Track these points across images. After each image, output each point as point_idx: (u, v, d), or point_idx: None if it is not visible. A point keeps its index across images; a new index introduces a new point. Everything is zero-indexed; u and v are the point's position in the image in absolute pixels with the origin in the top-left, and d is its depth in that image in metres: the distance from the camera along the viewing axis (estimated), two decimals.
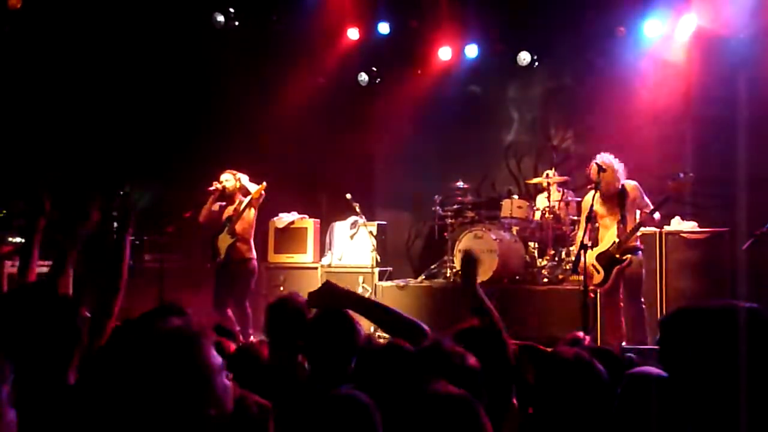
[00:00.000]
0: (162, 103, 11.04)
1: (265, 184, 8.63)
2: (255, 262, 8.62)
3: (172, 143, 11.04)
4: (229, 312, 8.30)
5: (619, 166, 7.60)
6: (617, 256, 7.49)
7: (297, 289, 10.72)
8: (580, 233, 7.62)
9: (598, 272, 7.57)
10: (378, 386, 2.66)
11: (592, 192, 7.49)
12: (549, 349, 4.16)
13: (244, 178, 8.71)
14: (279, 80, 11.33)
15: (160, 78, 10.94)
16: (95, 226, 3.42)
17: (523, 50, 11.09)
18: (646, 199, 7.55)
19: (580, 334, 4.52)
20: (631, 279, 7.54)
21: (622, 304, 7.58)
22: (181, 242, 9.74)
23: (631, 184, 7.61)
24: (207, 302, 8.42)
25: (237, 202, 8.66)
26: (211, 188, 8.61)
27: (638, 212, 7.60)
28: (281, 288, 10.23)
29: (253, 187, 8.66)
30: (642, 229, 8.15)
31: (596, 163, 7.53)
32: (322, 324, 3.30)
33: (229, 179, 8.65)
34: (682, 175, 7.27)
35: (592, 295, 8.02)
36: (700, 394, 2.07)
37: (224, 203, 8.71)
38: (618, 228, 7.51)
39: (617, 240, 7.49)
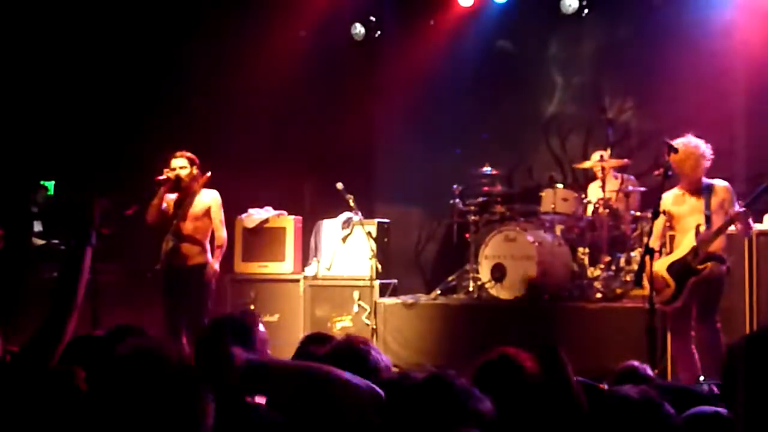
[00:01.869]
0: (100, 73, 11.07)
1: (209, 173, 8.64)
2: (210, 269, 8.62)
3: (111, 123, 11.07)
4: (184, 340, 8.34)
5: (705, 151, 7.59)
6: (694, 265, 7.49)
7: (272, 307, 10.80)
8: (654, 236, 7.63)
9: (668, 286, 7.57)
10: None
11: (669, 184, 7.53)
12: (603, 386, 4.18)
13: None
14: (247, 36, 11.33)
15: (95, 40, 10.97)
16: None
17: None
18: (737, 206, 7.55)
19: (636, 363, 4.54)
20: (708, 292, 7.54)
21: (693, 332, 7.60)
22: (121, 248, 9.77)
23: (722, 185, 7.63)
24: (154, 323, 8.44)
25: (191, 194, 8.67)
26: (161, 178, 8.62)
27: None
28: (252, 306, 10.24)
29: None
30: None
31: (665, 141, 7.53)
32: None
33: (183, 165, 8.65)
34: None
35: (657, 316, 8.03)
36: None
37: (178, 195, 8.72)
38: (698, 232, 7.51)
39: (696, 245, 7.49)
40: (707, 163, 7.61)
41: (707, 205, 7.53)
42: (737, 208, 7.45)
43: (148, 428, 2.17)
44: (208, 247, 8.68)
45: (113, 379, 2.24)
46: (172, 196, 8.73)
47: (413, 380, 2.86)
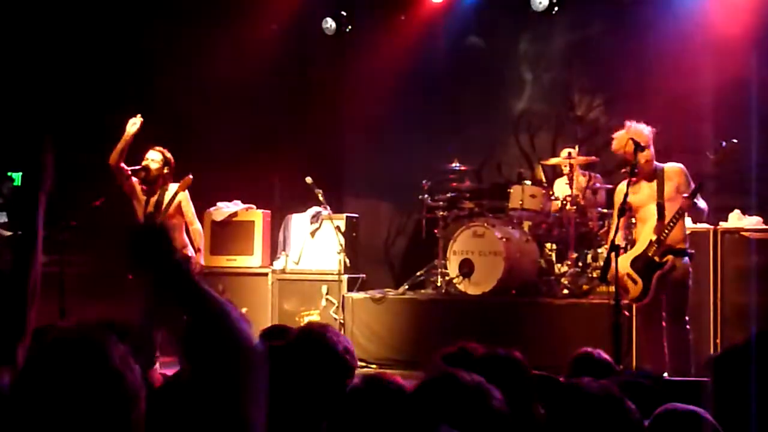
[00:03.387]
0: (69, 66, 10.98)
1: (190, 176, 8.61)
2: (197, 266, 8.68)
3: (81, 115, 10.98)
4: (156, 337, 8.34)
5: (648, 135, 7.59)
6: (656, 258, 7.49)
7: (240, 301, 10.78)
8: (613, 231, 7.61)
9: (635, 282, 7.56)
10: None
11: (628, 179, 7.50)
12: (562, 379, 4.19)
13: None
14: (218, 29, 11.29)
15: (66, 32, 10.88)
16: None
17: None
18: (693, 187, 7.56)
19: (589, 349, 4.54)
20: (674, 290, 7.55)
21: (664, 323, 7.61)
22: (87, 240, 9.70)
23: (675, 168, 7.61)
24: (121, 315, 8.39)
25: (159, 192, 8.64)
26: (131, 168, 8.60)
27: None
28: None
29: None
30: (691, 225, 8.19)
31: (632, 140, 7.51)
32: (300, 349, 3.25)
33: (155, 159, 8.62)
34: (724, 143, 7.32)
35: (626, 312, 8.05)
36: None
37: (145, 189, 8.69)
38: (657, 223, 7.51)
39: (655, 237, 7.49)
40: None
41: (660, 193, 7.52)
42: (692, 185, 7.46)
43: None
44: (187, 242, 8.68)
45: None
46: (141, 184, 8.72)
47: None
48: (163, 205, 8.60)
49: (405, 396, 2.76)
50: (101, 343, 2.22)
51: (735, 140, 7.37)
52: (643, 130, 7.55)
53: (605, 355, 4.51)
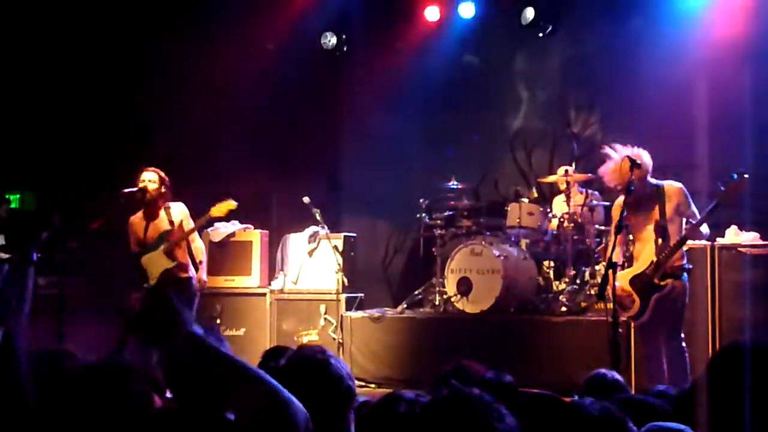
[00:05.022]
0: (64, 86, 11.00)
1: (233, 203, 8.76)
2: (201, 282, 8.74)
3: (77, 136, 10.99)
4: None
5: (648, 161, 7.62)
6: (655, 280, 7.51)
7: (239, 321, 10.74)
8: (610, 248, 7.61)
9: (633, 301, 7.59)
10: None
11: (623, 196, 7.50)
12: (567, 399, 4.20)
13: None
14: (214, 50, 11.31)
15: (62, 54, 10.91)
16: None
17: (529, 6, 11.14)
18: (694, 208, 7.57)
19: (604, 370, 4.55)
20: (671, 309, 7.56)
21: (661, 339, 7.63)
22: (86, 261, 9.71)
23: (674, 187, 7.61)
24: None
25: (162, 213, 8.68)
26: (128, 190, 8.61)
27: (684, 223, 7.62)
28: (218, 320, 10.22)
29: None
30: (688, 242, 8.22)
31: (628, 157, 7.54)
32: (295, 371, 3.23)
33: (152, 179, 8.64)
34: (735, 176, 7.30)
35: (621, 330, 8.06)
36: None
37: (143, 212, 8.72)
38: (657, 244, 7.53)
39: (655, 259, 7.50)
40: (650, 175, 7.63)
41: (662, 214, 7.53)
42: (693, 209, 7.47)
43: None
44: (188, 260, 8.71)
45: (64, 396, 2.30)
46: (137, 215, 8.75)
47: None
48: (176, 223, 8.65)
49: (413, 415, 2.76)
50: (125, 378, 2.34)
51: (746, 175, 7.33)
52: (641, 155, 7.57)
53: (618, 376, 4.54)
